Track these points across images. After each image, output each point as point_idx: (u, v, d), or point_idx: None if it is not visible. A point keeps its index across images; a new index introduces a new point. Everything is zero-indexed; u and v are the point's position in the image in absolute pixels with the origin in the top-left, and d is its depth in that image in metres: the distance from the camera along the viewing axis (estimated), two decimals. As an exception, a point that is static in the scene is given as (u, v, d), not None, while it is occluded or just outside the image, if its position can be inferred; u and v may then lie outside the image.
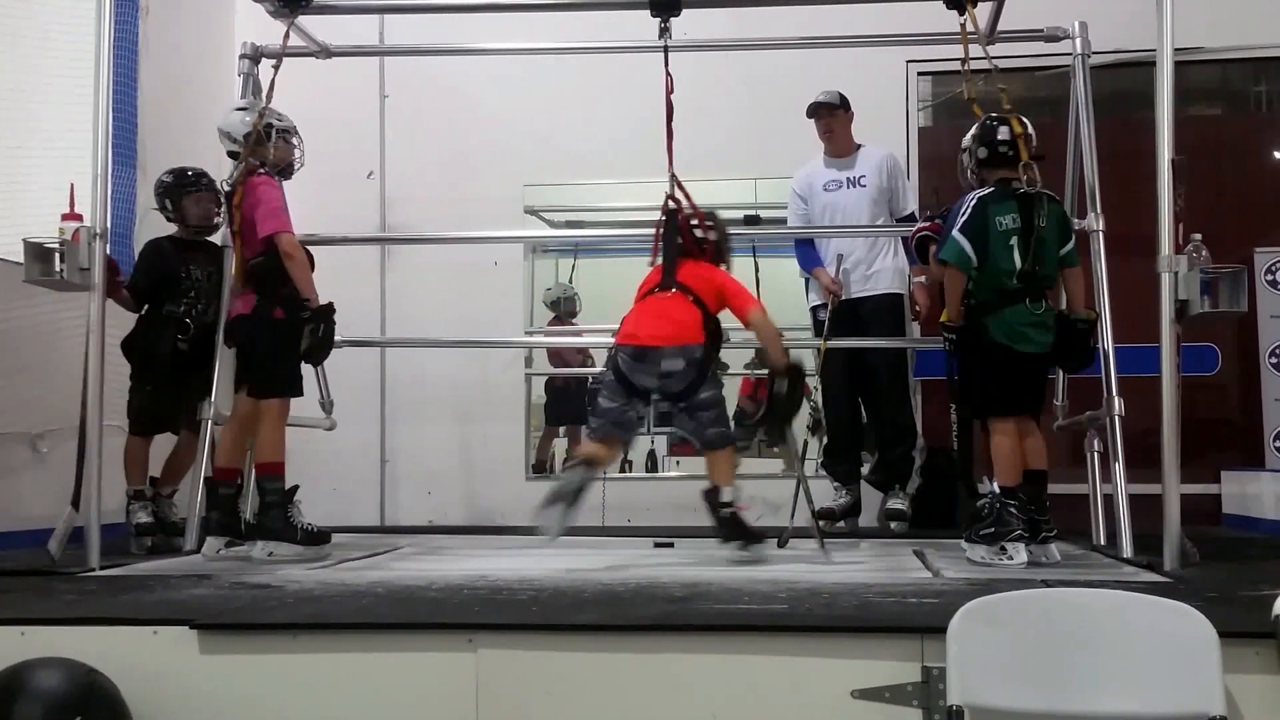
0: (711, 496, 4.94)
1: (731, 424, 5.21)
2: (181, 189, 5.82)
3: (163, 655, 3.39)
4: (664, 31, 5.73)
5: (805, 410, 5.48)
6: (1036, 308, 4.74)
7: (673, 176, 5.34)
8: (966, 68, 5.18)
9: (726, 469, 4.99)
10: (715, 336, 5.07)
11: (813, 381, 6.20)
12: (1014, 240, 4.71)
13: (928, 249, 5.06)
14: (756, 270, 7.83)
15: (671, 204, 5.31)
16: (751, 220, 7.79)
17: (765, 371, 5.88)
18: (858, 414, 6.62)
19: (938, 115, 7.82)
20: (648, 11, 5.74)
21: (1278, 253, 7.16)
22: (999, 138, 4.82)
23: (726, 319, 5.17)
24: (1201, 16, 6.70)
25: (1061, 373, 5.68)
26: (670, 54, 5.65)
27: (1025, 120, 4.90)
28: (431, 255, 7.70)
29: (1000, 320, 4.71)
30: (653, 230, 5.30)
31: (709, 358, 4.99)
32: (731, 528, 4.93)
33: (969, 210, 4.76)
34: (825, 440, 6.43)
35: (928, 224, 5.17)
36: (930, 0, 5.54)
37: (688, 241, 5.23)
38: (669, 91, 5.46)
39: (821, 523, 5.97)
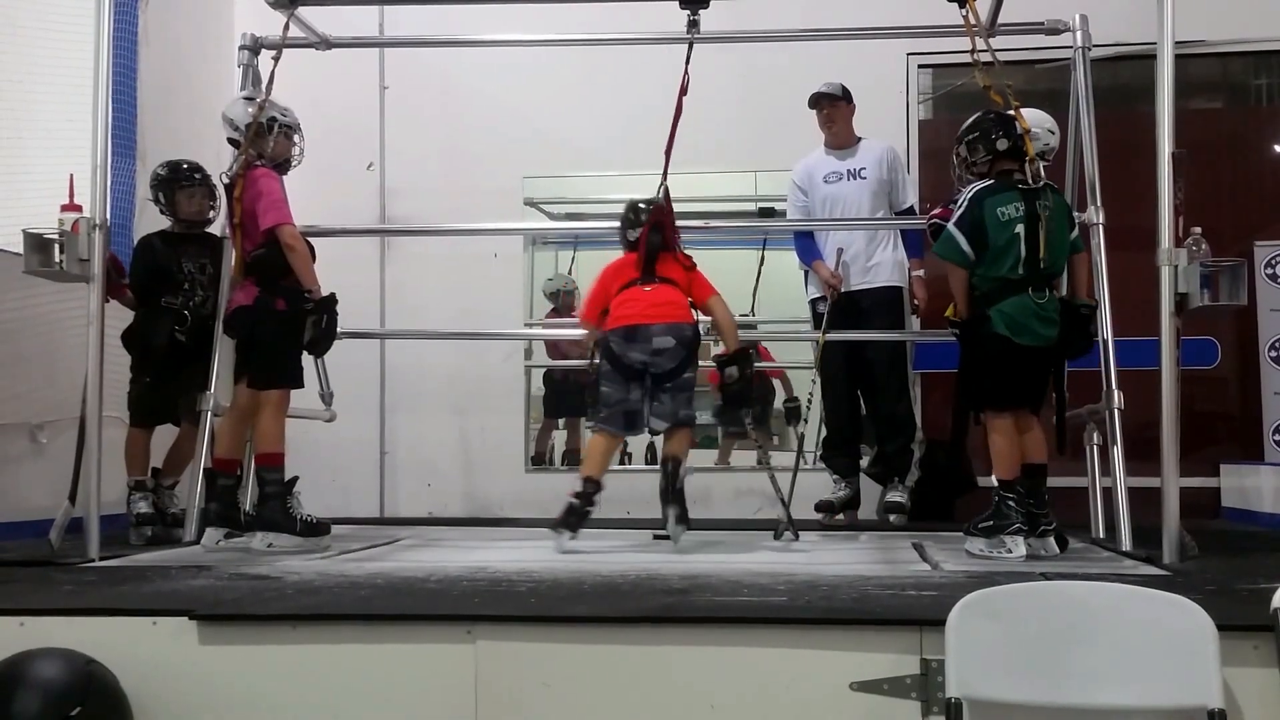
0: (670, 465, 5.17)
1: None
2: (175, 183, 5.82)
3: (162, 646, 3.40)
4: (692, 24, 5.72)
5: (780, 401, 5.56)
6: (1039, 297, 4.73)
7: (665, 185, 5.49)
8: (976, 59, 5.18)
9: (687, 443, 5.27)
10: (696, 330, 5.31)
11: (810, 374, 6.21)
12: (1019, 229, 4.71)
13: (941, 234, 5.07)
14: (761, 263, 7.85)
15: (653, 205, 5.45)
16: (766, 213, 7.80)
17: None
18: (857, 407, 6.61)
19: (938, 108, 7.81)
20: (653, 4, 5.73)
21: (1277, 246, 7.15)
22: (1018, 131, 4.83)
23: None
24: (1202, 10, 6.68)
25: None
26: (671, 46, 5.65)
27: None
28: (431, 247, 7.72)
29: (1003, 312, 4.71)
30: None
31: (697, 339, 5.25)
32: (677, 500, 5.15)
33: (965, 203, 4.78)
34: (803, 426, 6.44)
35: (940, 209, 5.18)
36: (930, -7, 5.55)
37: (668, 237, 5.40)
38: (682, 92, 5.47)
39: (821, 515, 6.00)
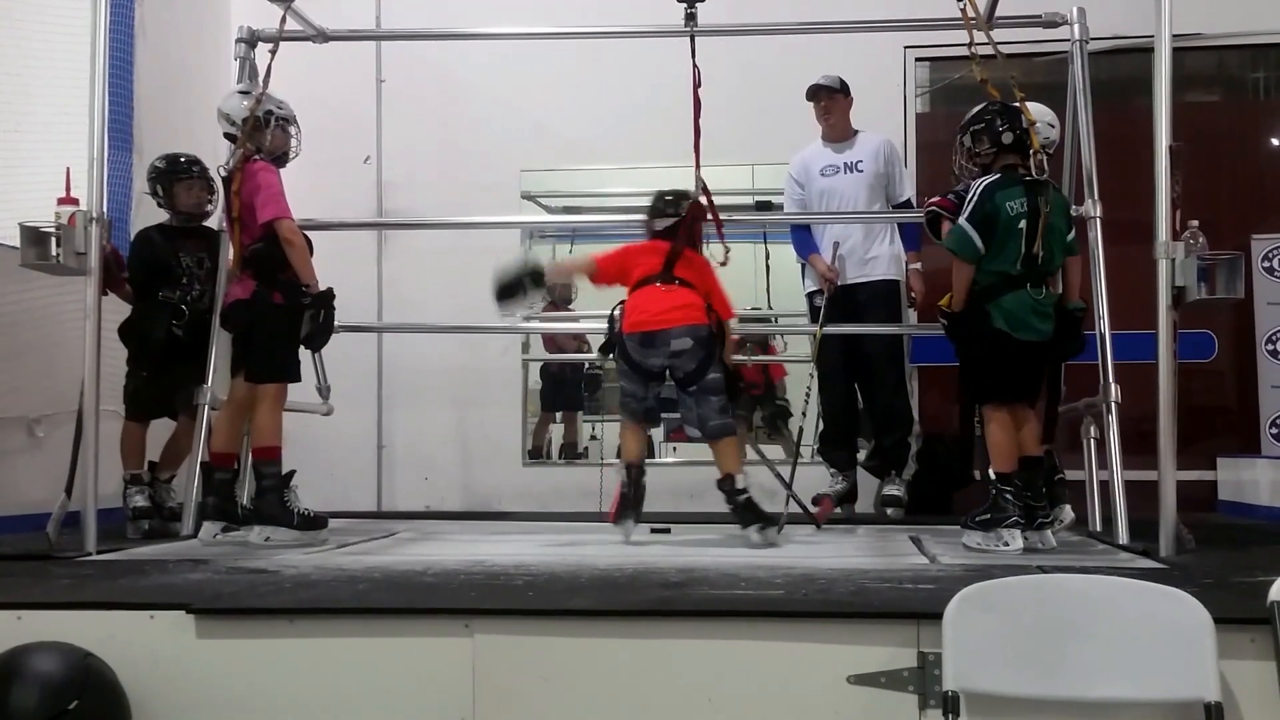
0: (726, 485, 5.05)
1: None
2: (173, 175, 5.82)
3: (159, 639, 3.39)
4: (690, 18, 5.70)
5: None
6: (1037, 293, 4.73)
7: (700, 179, 5.48)
8: (975, 52, 5.18)
9: (734, 456, 5.10)
10: (719, 328, 5.21)
11: (807, 368, 6.21)
12: (1022, 225, 4.70)
13: (939, 224, 5.06)
14: (767, 257, 7.86)
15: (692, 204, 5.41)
16: (763, 206, 7.80)
17: (766, 357, 5.95)
18: (854, 400, 6.62)
19: (935, 101, 7.81)
20: (654, -2, 5.76)
21: (1274, 239, 7.16)
22: (1023, 124, 4.82)
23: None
24: (1200, 3, 6.70)
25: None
26: (668, 39, 5.66)
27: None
28: (429, 240, 7.71)
29: (1002, 307, 4.70)
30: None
31: (713, 338, 5.13)
32: (749, 512, 5.03)
33: (976, 197, 4.75)
34: (796, 421, 6.42)
35: (939, 199, 5.16)
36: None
37: (697, 237, 5.37)
38: (696, 85, 5.49)
39: (816, 509, 5.99)
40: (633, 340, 5.12)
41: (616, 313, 5.22)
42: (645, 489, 5.16)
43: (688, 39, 5.78)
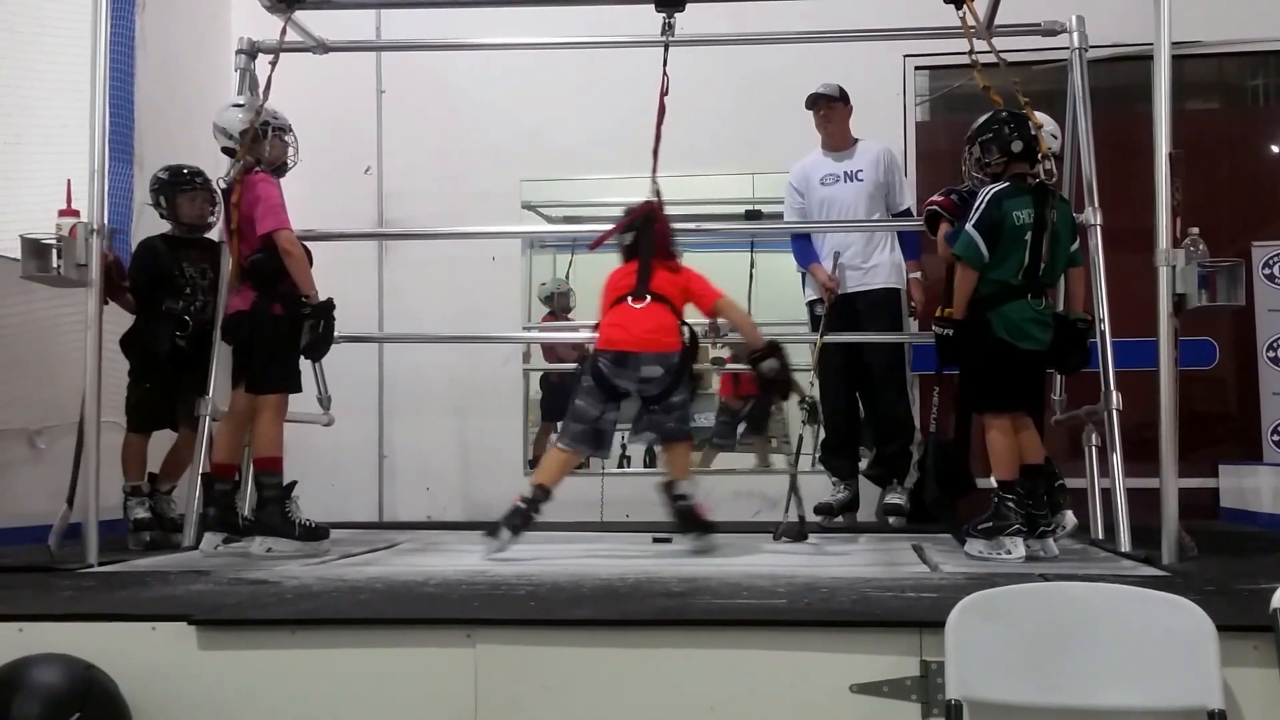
0: (669, 489, 5.14)
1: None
2: (176, 187, 5.81)
3: (161, 651, 3.39)
4: (667, 28, 5.73)
5: (794, 399, 5.55)
6: (1038, 304, 4.75)
7: (655, 183, 5.44)
8: (976, 60, 5.18)
9: (683, 463, 5.23)
10: (692, 343, 5.26)
11: (808, 376, 6.20)
12: (1028, 236, 4.70)
13: (937, 223, 5.06)
14: (752, 265, 7.86)
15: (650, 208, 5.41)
16: (753, 215, 7.80)
17: (743, 367, 5.96)
18: (855, 409, 6.61)
19: (935, 110, 7.82)
20: (648, 6, 5.74)
21: (1275, 247, 7.16)
22: (1031, 131, 4.82)
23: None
24: (1199, 10, 6.69)
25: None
26: (668, 49, 5.65)
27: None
28: (429, 250, 7.71)
29: (1003, 316, 4.71)
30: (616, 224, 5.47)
31: (684, 365, 5.16)
32: (686, 519, 5.13)
33: (984, 204, 4.74)
34: (821, 429, 6.41)
35: (939, 198, 5.16)
36: (927, -5, 5.55)
37: (661, 243, 5.35)
38: (663, 93, 5.48)
39: (820, 518, 5.99)
40: (606, 357, 5.10)
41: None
42: (536, 518, 5.00)
43: (688, 49, 5.79)
